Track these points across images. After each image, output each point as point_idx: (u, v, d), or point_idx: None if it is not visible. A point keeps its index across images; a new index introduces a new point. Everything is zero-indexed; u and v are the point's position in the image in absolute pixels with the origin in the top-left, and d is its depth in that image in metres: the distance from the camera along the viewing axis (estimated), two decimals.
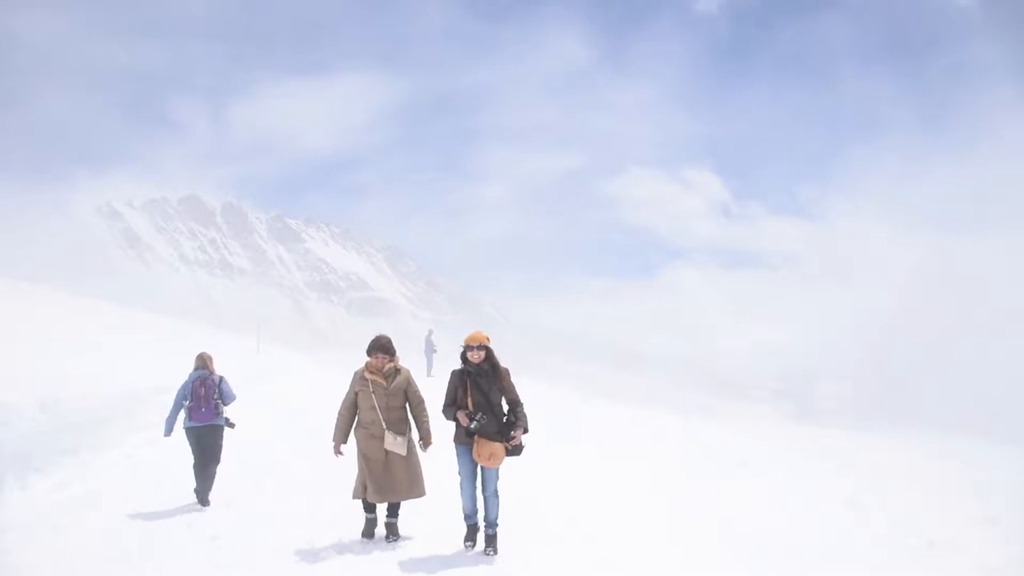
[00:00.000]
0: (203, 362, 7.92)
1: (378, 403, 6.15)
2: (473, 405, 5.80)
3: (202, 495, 7.44)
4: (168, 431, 7.75)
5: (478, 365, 5.90)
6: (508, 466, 6.08)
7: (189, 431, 7.62)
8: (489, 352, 5.95)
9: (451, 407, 5.91)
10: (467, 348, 5.93)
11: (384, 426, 6.11)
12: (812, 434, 18.33)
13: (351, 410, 6.28)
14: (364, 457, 6.18)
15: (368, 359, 6.31)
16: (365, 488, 6.14)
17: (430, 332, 26.66)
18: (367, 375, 6.23)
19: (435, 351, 25.09)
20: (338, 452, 6.26)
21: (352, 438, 6.29)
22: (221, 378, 7.89)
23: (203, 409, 7.61)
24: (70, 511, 7.04)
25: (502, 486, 6.08)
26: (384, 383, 6.21)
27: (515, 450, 5.83)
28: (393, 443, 6.10)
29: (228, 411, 7.90)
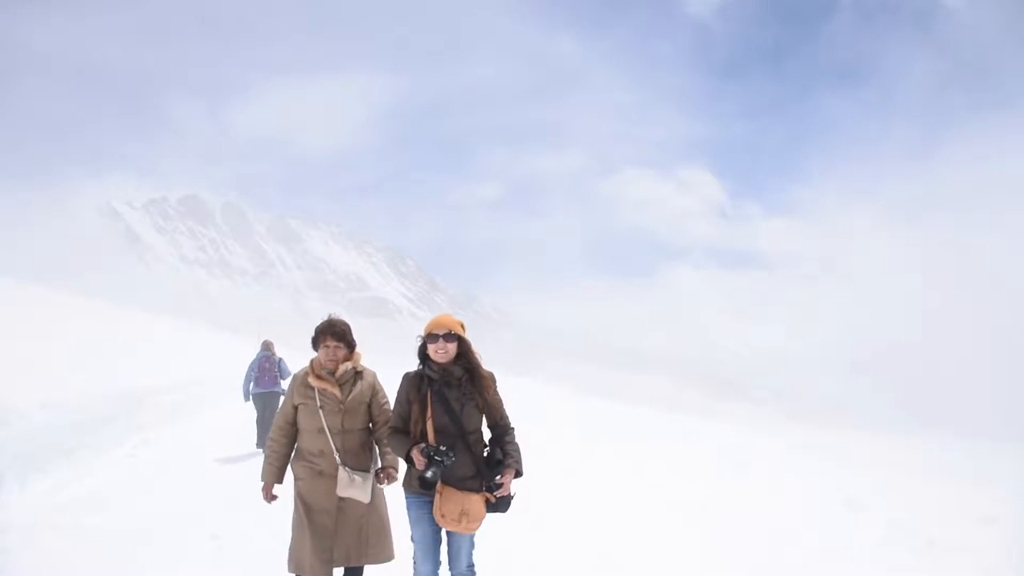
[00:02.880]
0: (267, 346, 10.79)
1: (329, 423, 4.17)
2: (435, 434, 3.72)
3: (262, 443, 9.46)
4: (246, 397, 10.38)
5: (445, 368, 3.79)
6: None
7: (256, 396, 10.27)
8: (464, 347, 3.83)
9: (401, 435, 3.81)
10: (428, 339, 3.81)
11: (338, 459, 4.15)
12: (811, 434, 18.33)
13: (288, 433, 4.32)
14: (305, 506, 4.21)
15: (315, 354, 4.37)
16: (305, 560, 4.17)
17: None
18: (312, 380, 4.23)
19: None
20: (270, 497, 4.35)
21: (289, 476, 4.34)
22: (280, 358, 10.68)
23: (266, 379, 10.31)
24: (70, 511, 7.03)
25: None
26: (338, 393, 4.20)
27: (501, 503, 3.78)
28: (350, 485, 4.10)
29: (283, 383, 10.31)
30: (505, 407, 3.95)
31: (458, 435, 3.74)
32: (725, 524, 7.25)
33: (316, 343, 4.34)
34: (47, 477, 8.07)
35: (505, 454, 3.81)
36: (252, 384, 10.34)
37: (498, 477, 3.73)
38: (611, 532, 6.77)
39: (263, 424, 10.05)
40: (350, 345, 4.34)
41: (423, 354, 3.84)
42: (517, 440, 3.88)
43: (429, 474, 3.58)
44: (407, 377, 3.88)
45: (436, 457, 3.61)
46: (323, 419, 4.18)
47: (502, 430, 3.88)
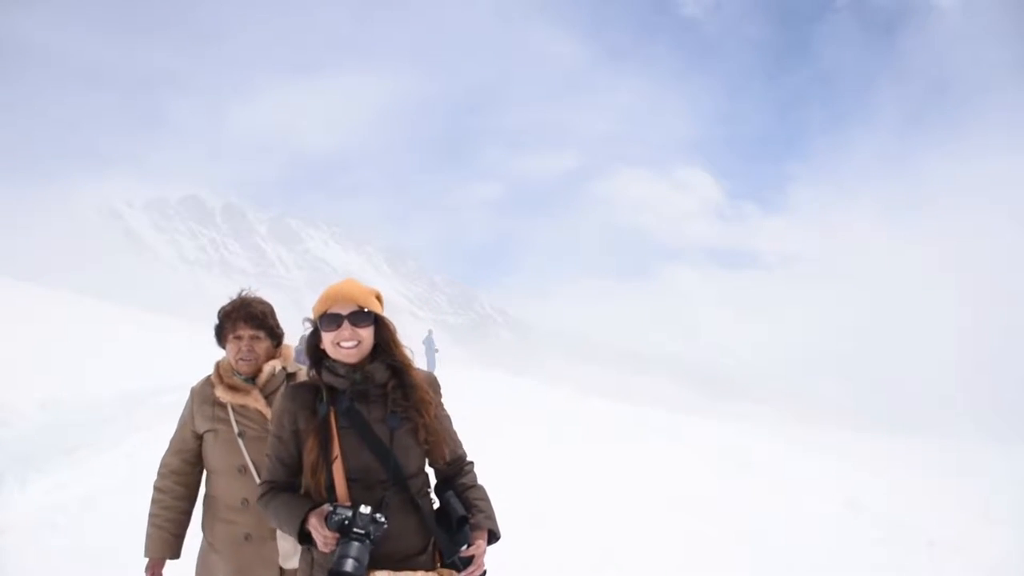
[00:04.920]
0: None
1: (254, 458, 2.76)
2: (350, 485, 2.19)
3: None
4: None
5: (357, 371, 2.25)
6: (508, 465, 5.95)
7: None
8: (384, 333, 2.31)
9: (285, 496, 2.26)
10: (323, 323, 2.26)
11: None
12: (811, 434, 18.34)
13: (187, 477, 2.89)
14: None
15: (223, 352, 2.93)
16: None
17: (430, 332, 26.69)
18: (222, 392, 2.83)
19: (436, 350, 25.08)
20: None
21: (194, 547, 2.95)
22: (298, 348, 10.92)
23: (300, 358, 11.03)
24: (70, 511, 7.03)
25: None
26: (264, 408, 2.81)
27: None
28: (295, 553, 2.46)
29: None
30: (455, 428, 2.42)
31: (390, 483, 2.17)
32: (725, 524, 7.25)
33: (221, 334, 2.86)
34: (47, 477, 8.07)
35: (469, 506, 2.31)
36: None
37: (465, 547, 2.22)
38: (613, 531, 6.76)
39: None
40: (275, 335, 2.92)
41: (315, 351, 2.25)
42: (480, 480, 2.41)
43: (349, 566, 1.96)
44: (289, 394, 2.26)
45: (356, 528, 2.02)
46: (244, 451, 2.75)
47: (456, 468, 2.37)
